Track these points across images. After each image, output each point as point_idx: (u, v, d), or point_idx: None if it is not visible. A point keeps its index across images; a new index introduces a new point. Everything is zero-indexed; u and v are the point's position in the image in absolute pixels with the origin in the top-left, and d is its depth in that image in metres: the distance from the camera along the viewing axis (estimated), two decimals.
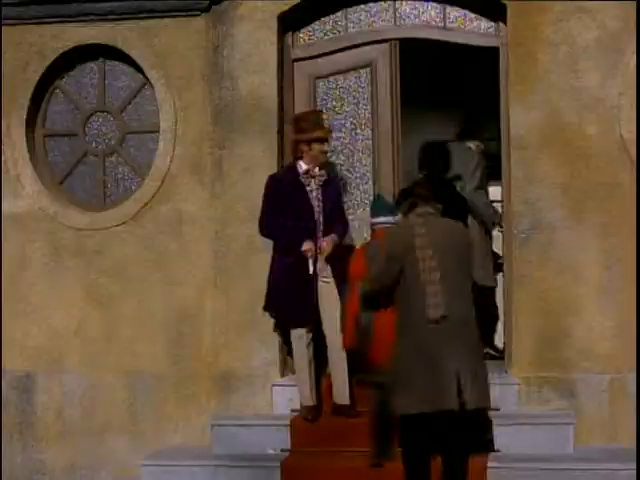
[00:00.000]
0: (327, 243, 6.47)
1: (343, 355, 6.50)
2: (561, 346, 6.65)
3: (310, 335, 6.53)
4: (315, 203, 6.57)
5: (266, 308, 6.63)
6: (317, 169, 6.61)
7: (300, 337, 6.52)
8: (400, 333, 5.64)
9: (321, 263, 6.50)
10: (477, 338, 5.66)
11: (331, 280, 6.53)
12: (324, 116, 6.80)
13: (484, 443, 6.13)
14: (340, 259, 6.58)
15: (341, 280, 6.51)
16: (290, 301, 6.48)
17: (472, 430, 5.69)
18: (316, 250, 6.46)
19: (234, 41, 7.05)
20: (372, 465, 6.12)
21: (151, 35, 7.17)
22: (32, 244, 7.29)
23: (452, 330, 5.52)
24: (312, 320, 6.50)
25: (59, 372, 7.24)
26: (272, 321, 6.85)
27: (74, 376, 7.22)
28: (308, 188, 6.57)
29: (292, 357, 6.72)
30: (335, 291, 6.50)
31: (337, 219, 6.64)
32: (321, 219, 6.56)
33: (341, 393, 6.57)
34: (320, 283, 6.52)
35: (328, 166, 6.88)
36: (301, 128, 6.59)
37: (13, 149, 7.33)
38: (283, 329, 6.76)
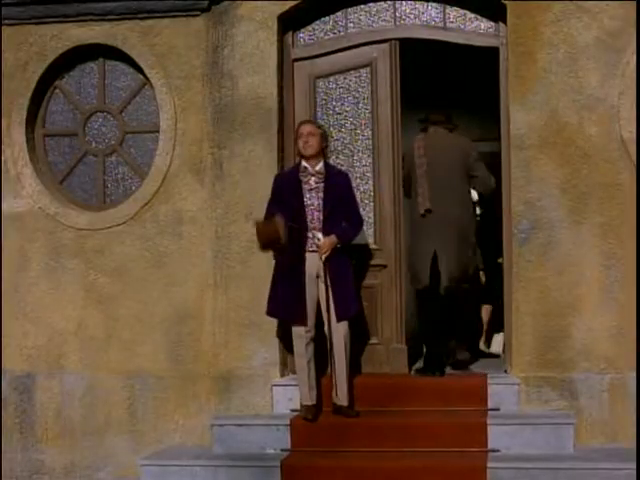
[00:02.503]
0: (323, 244, 6.48)
1: (344, 356, 6.50)
2: (561, 346, 6.65)
3: (310, 335, 6.53)
4: (315, 201, 6.55)
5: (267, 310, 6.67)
6: (318, 166, 6.60)
7: (300, 336, 6.51)
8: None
9: (320, 264, 6.50)
10: (463, 232, 7.05)
11: (328, 279, 6.51)
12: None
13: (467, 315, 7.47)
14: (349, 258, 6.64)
15: (345, 280, 6.53)
16: (282, 299, 6.50)
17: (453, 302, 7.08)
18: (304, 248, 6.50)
19: (234, 41, 7.06)
20: None
21: (151, 35, 7.17)
22: (32, 244, 7.29)
23: (437, 223, 6.97)
24: (305, 319, 6.49)
25: (59, 372, 7.24)
26: (272, 321, 6.88)
27: (74, 376, 7.21)
28: (307, 186, 6.57)
29: (293, 356, 6.72)
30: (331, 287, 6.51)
31: (344, 217, 6.60)
32: (321, 217, 6.54)
33: (340, 394, 6.57)
34: (321, 285, 6.52)
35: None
36: None
37: (13, 149, 7.33)
38: (285, 328, 6.76)
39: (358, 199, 7.07)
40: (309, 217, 6.54)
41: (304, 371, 6.53)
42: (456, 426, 6.39)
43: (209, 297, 7.05)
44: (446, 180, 7.05)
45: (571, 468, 6.02)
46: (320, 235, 6.49)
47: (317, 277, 6.51)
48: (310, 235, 6.52)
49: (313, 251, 6.51)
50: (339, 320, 6.47)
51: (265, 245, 6.48)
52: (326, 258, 6.47)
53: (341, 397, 6.57)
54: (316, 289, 6.52)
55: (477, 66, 7.82)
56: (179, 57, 7.13)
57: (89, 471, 7.19)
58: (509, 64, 6.81)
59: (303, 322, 6.48)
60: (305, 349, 6.52)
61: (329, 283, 6.48)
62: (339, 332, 6.49)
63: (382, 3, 7.15)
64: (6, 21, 7.27)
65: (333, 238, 6.50)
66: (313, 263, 6.50)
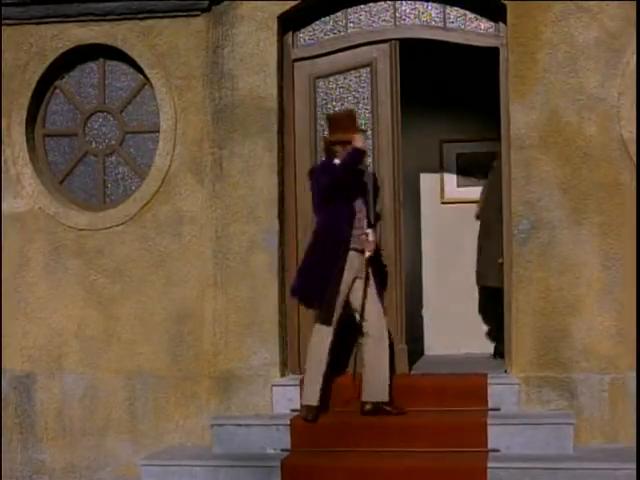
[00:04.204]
0: (373, 241, 6.62)
1: (385, 347, 6.53)
2: (561, 346, 6.66)
3: (332, 339, 6.50)
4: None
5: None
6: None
7: (327, 336, 6.47)
8: None
9: (363, 262, 6.54)
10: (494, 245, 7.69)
11: (370, 277, 6.59)
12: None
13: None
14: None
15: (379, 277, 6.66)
16: (309, 280, 6.46)
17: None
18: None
19: (234, 41, 7.06)
20: None
21: (151, 35, 7.17)
22: (32, 244, 7.30)
23: (485, 232, 8.06)
24: (322, 302, 6.42)
25: (59, 372, 7.24)
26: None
27: (74, 376, 7.22)
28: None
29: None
30: (373, 285, 6.56)
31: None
32: (371, 215, 6.80)
33: (380, 390, 6.54)
34: (359, 283, 6.54)
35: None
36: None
37: (13, 149, 7.33)
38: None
39: None
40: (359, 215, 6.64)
41: (320, 373, 6.49)
42: (456, 426, 6.39)
43: (209, 297, 7.05)
44: (491, 213, 7.81)
45: (571, 468, 6.01)
46: (370, 231, 6.58)
47: (355, 278, 6.53)
48: (358, 232, 6.55)
49: (357, 250, 6.53)
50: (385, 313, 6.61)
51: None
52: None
53: (380, 394, 6.52)
54: (348, 289, 6.52)
55: (477, 66, 7.82)
56: (179, 57, 7.14)
57: (89, 471, 7.19)
58: (509, 64, 6.81)
59: (319, 305, 6.43)
60: (326, 353, 6.49)
61: (378, 280, 6.62)
62: (384, 325, 6.56)
63: (382, 3, 7.16)
64: (6, 21, 7.27)
65: (375, 234, 6.70)
66: (355, 262, 6.52)
